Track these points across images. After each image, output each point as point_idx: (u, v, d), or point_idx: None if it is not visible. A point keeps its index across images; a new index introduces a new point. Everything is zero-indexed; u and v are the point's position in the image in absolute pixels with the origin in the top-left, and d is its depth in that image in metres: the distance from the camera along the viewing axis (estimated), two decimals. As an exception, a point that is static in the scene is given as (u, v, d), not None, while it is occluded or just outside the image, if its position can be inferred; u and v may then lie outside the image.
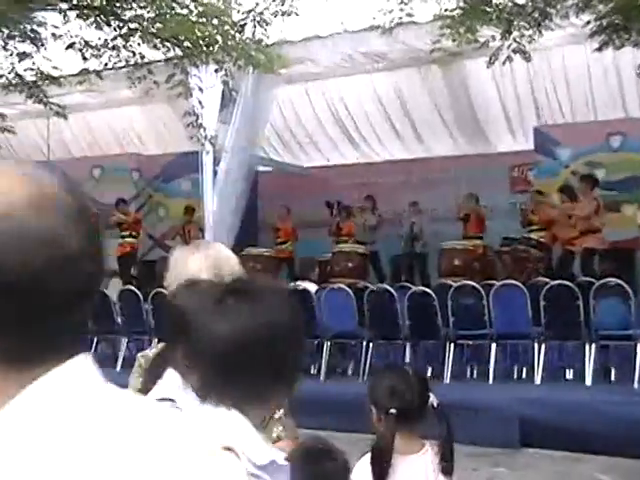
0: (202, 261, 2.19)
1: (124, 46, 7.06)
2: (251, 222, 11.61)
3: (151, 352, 2.22)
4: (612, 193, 10.43)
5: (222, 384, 1.34)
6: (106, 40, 7.07)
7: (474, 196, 10.92)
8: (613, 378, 7.26)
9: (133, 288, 9.22)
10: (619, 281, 7.19)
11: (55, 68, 7.63)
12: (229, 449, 1.20)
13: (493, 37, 6.32)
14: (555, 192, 10.11)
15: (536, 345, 7.31)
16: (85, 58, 7.25)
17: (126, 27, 7.03)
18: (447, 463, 2.31)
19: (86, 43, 7.14)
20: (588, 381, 7.01)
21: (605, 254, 9.20)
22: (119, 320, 9.16)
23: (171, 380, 1.77)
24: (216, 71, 7.34)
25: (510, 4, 6.01)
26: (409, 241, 11.08)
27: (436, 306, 7.57)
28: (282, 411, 2.16)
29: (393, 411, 2.16)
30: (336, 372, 8.19)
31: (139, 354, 2.26)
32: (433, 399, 2.33)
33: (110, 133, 13.60)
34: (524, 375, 7.50)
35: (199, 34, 6.82)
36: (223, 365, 1.34)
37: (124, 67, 7.53)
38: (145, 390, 1.79)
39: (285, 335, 1.37)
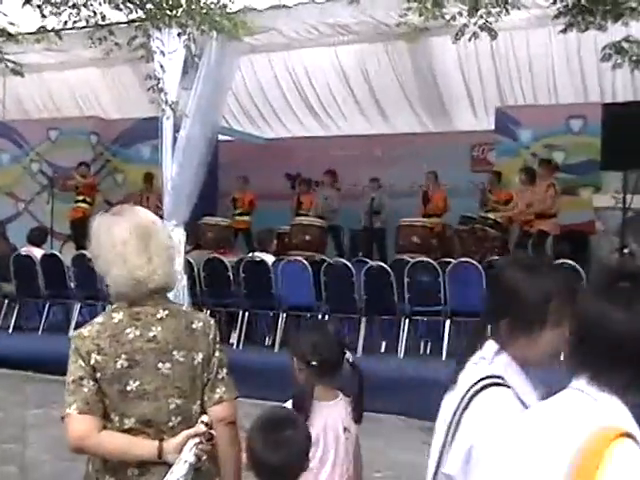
0: (128, 228, 2.12)
1: (84, 5, 6.85)
2: (210, 191, 11.49)
3: (86, 331, 2.09)
4: (570, 176, 10.58)
5: (609, 369, 1.35)
6: (66, -3, 6.85)
7: (433, 174, 10.99)
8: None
9: (87, 253, 9.05)
10: (572, 263, 7.30)
11: (12, 24, 7.38)
12: (629, 435, 1.25)
13: (460, 13, 6.31)
14: (515, 173, 10.24)
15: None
16: (44, 15, 7.02)
17: (87, -15, 6.82)
18: (358, 412, 2.60)
19: (45, -1, 6.92)
20: (538, 359, 7.14)
21: (560, 237, 9.37)
22: (72, 285, 9.03)
23: (490, 352, 1.75)
24: (179, 35, 7.18)
25: (478, -19, 6.02)
26: (368, 216, 11.11)
27: (392, 281, 7.61)
28: (225, 371, 2.15)
29: (314, 363, 2.39)
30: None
31: (74, 333, 2.13)
32: (349, 355, 2.62)
33: (68, 94, 13.26)
34: (476, 352, 7.60)
35: (163, -4, 6.67)
36: (614, 350, 1.34)
37: (84, 27, 7.31)
38: (465, 359, 1.77)
39: None
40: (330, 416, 2.52)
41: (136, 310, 2.09)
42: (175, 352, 2.07)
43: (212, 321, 2.19)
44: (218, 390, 2.11)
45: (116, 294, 2.12)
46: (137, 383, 2.04)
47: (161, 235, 2.16)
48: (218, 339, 2.16)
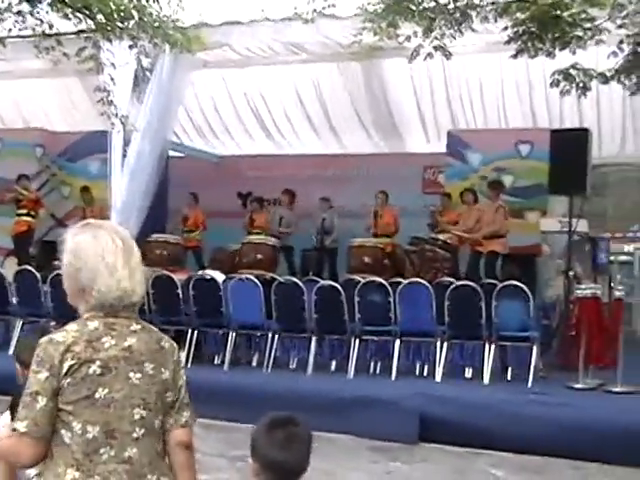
0: (114, 240, 2.13)
1: (30, 12, 6.67)
2: (160, 208, 11.32)
3: (60, 336, 2.01)
4: (518, 200, 10.75)
5: None
6: (10, 4, 6.67)
7: (384, 194, 11.03)
8: (509, 377, 7.47)
9: (31, 268, 8.80)
10: (520, 284, 7.40)
11: (-47, 30, 7.17)
12: None
13: (415, 33, 6.37)
14: (459, 194, 10.40)
15: (438, 343, 7.44)
16: (-15, 22, 6.83)
17: (35, -8, 6.66)
18: None
19: (-13, 6, 6.73)
20: (486, 379, 7.20)
21: (508, 258, 9.50)
22: (14, 301, 8.74)
23: None
24: (130, 47, 7.07)
25: (433, 3, 6.08)
26: (319, 236, 11.08)
27: (343, 301, 7.58)
28: (187, 395, 2.20)
29: None
30: (240, 363, 8.09)
31: (44, 339, 2.04)
32: None
33: (13, 105, 12.95)
34: (425, 372, 7.61)
35: (113, 7, 6.54)
36: None
37: (31, 36, 7.13)
38: None
39: None
40: None
41: (111, 321, 2.11)
42: (147, 364, 2.11)
43: (175, 344, 2.25)
44: (184, 414, 2.17)
45: (100, 305, 2.10)
46: (105, 391, 2.04)
47: (137, 251, 2.21)
48: (182, 364, 2.24)
